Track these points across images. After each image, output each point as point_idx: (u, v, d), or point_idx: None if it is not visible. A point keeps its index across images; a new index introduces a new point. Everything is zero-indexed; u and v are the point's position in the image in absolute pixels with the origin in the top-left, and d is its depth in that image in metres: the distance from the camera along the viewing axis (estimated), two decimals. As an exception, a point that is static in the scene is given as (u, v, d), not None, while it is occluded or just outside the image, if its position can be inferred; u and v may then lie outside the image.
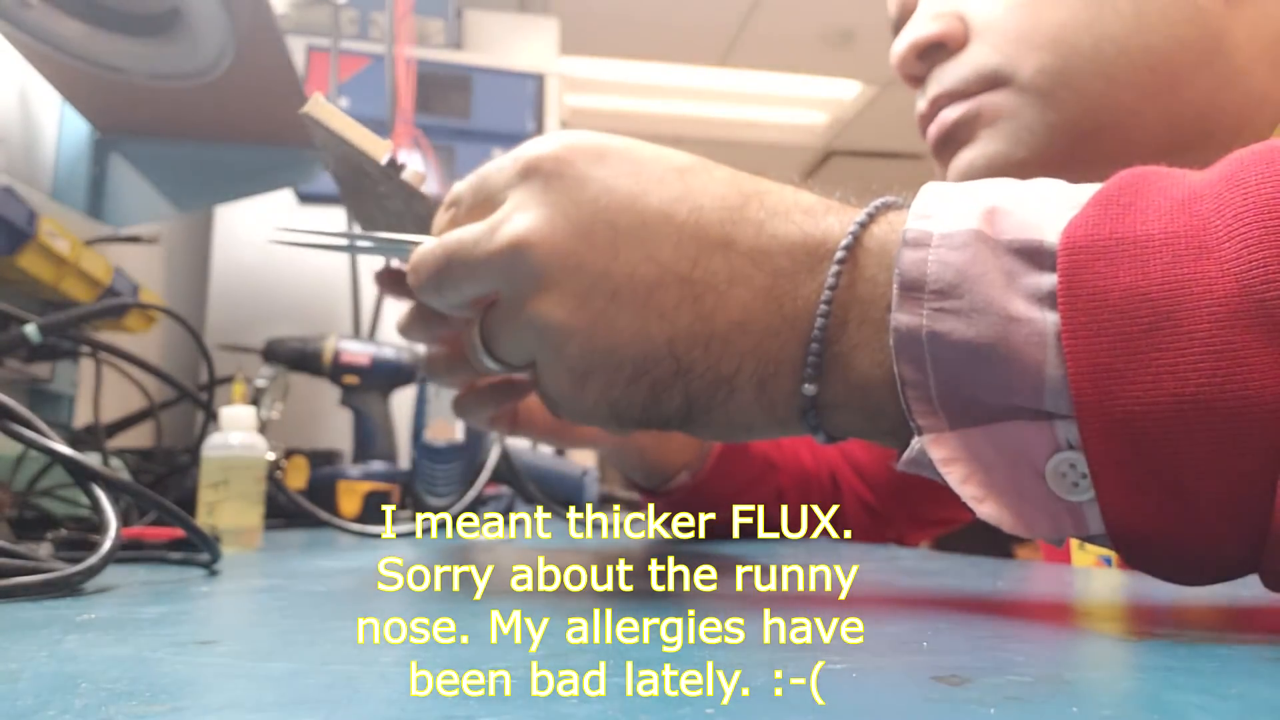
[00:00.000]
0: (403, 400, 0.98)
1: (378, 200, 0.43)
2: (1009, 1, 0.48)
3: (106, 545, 0.35)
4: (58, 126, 0.96)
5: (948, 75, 0.49)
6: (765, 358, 0.30)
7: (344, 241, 0.40)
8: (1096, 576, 0.43)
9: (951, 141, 0.50)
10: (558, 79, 1.77)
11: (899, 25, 0.55)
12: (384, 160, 0.40)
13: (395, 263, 0.51)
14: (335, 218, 1.47)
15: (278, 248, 1.49)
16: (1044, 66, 0.46)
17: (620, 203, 0.31)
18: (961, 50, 0.49)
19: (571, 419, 0.35)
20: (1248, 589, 0.32)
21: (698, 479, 0.65)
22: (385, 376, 0.99)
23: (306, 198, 1.45)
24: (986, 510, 0.26)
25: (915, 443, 0.27)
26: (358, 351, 0.98)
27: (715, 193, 0.32)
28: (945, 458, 0.27)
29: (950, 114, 0.49)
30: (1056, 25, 0.46)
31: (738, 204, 0.31)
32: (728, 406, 0.31)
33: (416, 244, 0.37)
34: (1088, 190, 0.27)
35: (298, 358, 0.97)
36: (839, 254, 0.29)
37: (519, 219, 0.32)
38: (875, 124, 3.96)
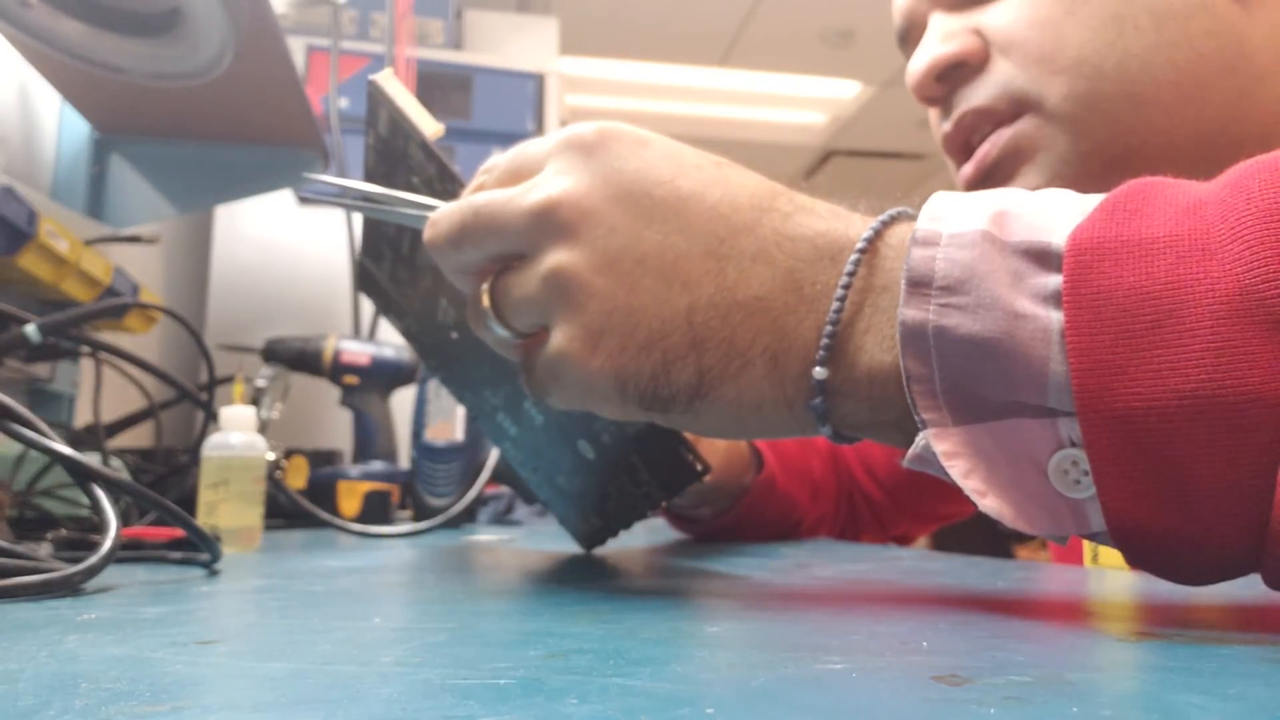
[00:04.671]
0: (403, 400, 0.98)
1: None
2: (1029, 18, 0.47)
3: (106, 545, 0.35)
4: (58, 126, 0.96)
5: (974, 94, 0.49)
6: (781, 333, 0.30)
7: (368, 200, 0.41)
8: (1096, 577, 0.43)
9: (992, 179, 0.49)
10: (558, 79, 1.77)
11: (904, 37, 0.54)
12: (432, 139, 0.42)
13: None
14: (335, 218, 1.47)
15: (278, 248, 1.50)
16: (1071, 92, 0.45)
17: (658, 178, 0.33)
18: (983, 67, 0.48)
19: (570, 396, 0.34)
20: (1248, 589, 0.32)
21: (726, 520, 0.65)
22: (385, 376, 0.99)
23: (306, 199, 1.45)
24: (989, 504, 0.27)
25: (920, 438, 0.27)
26: (358, 351, 0.98)
27: (747, 185, 0.33)
28: (948, 451, 0.27)
29: (989, 152, 0.48)
30: (1079, 45, 0.45)
31: (767, 195, 0.33)
32: (739, 381, 0.31)
33: (437, 207, 0.38)
34: (1095, 198, 0.27)
35: (298, 358, 0.97)
36: (860, 244, 0.30)
37: (557, 181, 0.33)
38: (875, 124, 3.96)
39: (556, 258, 0.32)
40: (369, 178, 0.49)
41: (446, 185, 0.41)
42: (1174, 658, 0.21)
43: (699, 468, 0.42)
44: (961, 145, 0.50)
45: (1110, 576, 0.42)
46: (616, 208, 0.32)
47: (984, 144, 0.49)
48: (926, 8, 0.52)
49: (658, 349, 0.31)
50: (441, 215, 0.36)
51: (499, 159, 0.37)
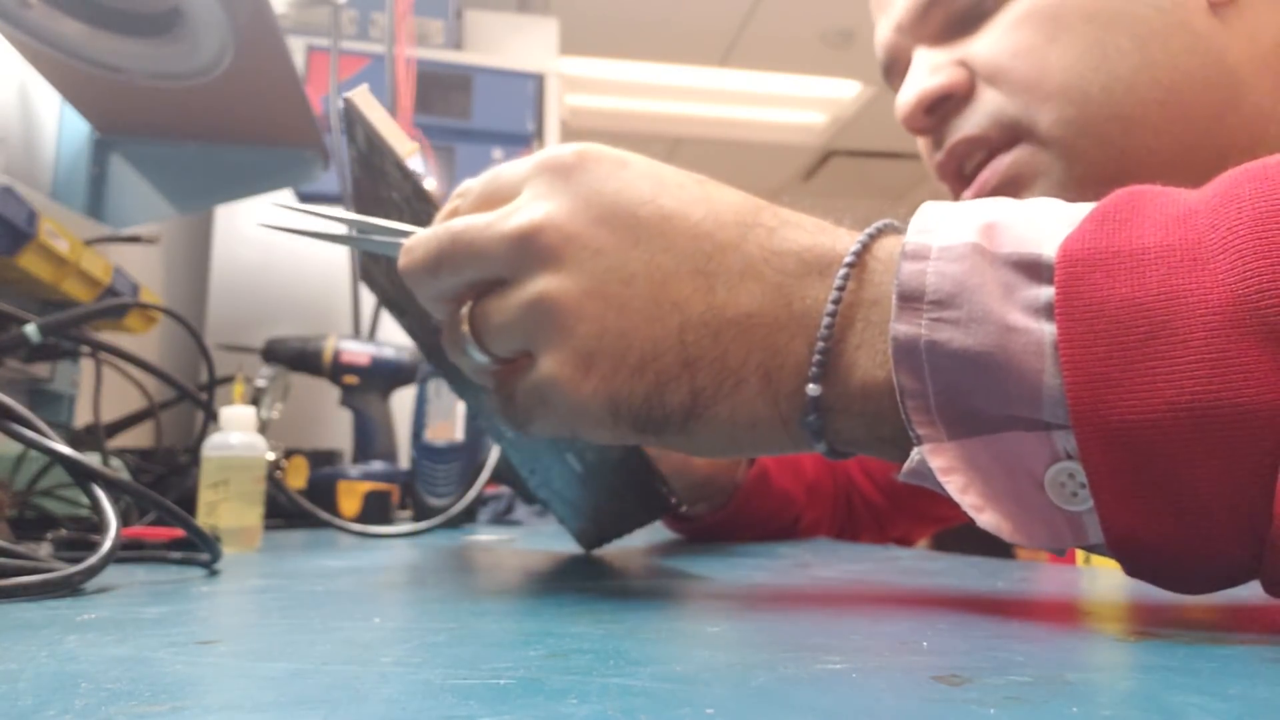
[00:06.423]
0: (403, 400, 0.98)
1: (384, 210, 0.44)
2: (1013, 47, 0.47)
3: (106, 545, 0.35)
4: (58, 126, 0.96)
5: (965, 123, 0.49)
6: (772, 350, 0.30)
7: (338, 229, 0.40)
8: (1096, 577, 0.43)
9: None
10: (558, 79, 1.77)
11: (888, 71, 0.55)
12: (406, 159, 0.41)
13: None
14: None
15: (278, 248, 1.50)
16: (1061, 117, 0.46)
17: (640, 198, 0.32)
18: (971, 97, 0.49)
19: (558, 422, 0.33)
20: (1247, 589, 0.32)
21: (720, 516, 0.65)
22: (385, 376, 0.99)
23: (306, 198, 1.45)
24: (986, 519, 0.27)
25: (915, 453, 0.27)
26: (358, 351, 0.98)
27: (730, 201, 0.33)
28: (944, 467, 0.27)
29: (989, 180, 0.48)
30: (1063, 71, 0.46)
31: (751, 211, 0.32)
32: (732, 400, 0.31)
33: (412, 233, 0.37)
34: (1084, 208, 0.27)
35: (298, 358, 0.97)
36: (848, 258, 0.30)
37: (537, 205, 0.32)
38: (875, 124, 3.96)
39: (542, 283, 0.32)
40: (356, 188, 0.49)
41: (420, 206, 0.40)
42: (1174, 658, 0.21)
43: (673, 500, 0.45)
44: (955, 172, 0.51)
45: (1107, 576, 0.42)
46: (601, 229, 0.32)
47: (984, 171, 0.49)
48: (909, 42, 0.52)
49: (650, 370, 0.31)
50: (417, 242, 0.35)
51: (472, 183, 0.36)
